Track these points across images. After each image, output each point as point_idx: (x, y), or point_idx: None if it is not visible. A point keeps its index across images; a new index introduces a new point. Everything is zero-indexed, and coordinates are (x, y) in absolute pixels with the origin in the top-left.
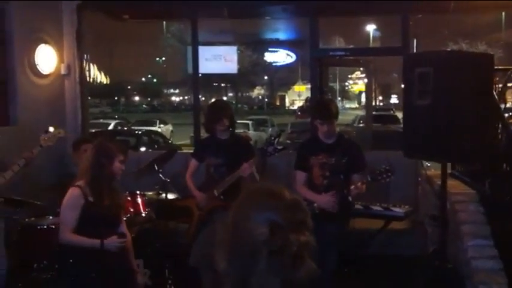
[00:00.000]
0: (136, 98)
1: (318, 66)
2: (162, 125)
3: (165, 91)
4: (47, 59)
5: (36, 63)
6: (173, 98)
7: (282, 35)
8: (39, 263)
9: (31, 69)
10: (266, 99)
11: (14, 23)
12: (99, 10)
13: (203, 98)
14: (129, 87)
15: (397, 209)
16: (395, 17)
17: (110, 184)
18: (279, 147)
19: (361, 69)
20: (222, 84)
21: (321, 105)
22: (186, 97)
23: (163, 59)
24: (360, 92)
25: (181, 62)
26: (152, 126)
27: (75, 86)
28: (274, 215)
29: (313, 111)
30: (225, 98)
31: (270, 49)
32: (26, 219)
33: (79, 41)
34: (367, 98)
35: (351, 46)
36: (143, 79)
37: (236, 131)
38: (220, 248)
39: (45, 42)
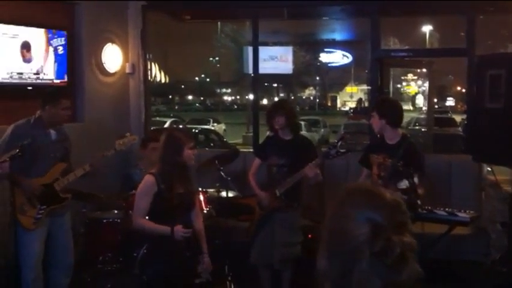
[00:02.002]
0: (190, 97)
1: (379, 67)
2: (215, 124)
3: (218, 90)
4: (113, 58)
5: (103, 62)
6: (225, 98)
7: (338, 36)
8: (105, 256)
9: (98, 67)
10: (317, 100)
11: (83, 23)
12: (162, 11)
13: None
14: (182, 86)
15: (462, 214)
16: (456, 18)
17: (182, 172)
18: (342, 151)
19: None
20: (274, 85)
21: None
22: (237, 97)
23: (217, 59)
24: (415, 94)
25: (234, 62)
26: (206, 124)
27: (139, 84)
28: (376, 215)
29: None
30: (276, 99)
31: (326, 49)
32: (92, 213)
33: (143, 40)
34: (428, 100)
35: (407, 47)
36: (197, 78)
37: None
38: (320, 246)
39: (112, 42)
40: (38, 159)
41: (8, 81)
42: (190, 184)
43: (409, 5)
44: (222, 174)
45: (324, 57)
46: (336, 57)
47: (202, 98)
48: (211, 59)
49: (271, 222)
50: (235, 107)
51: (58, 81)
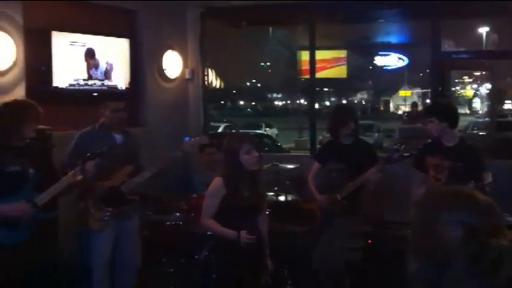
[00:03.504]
0: (241, 102)
1: (439, 70)
2: (267, 129)
3: (269, 95)
4: (173, 64)
5: (164, 68)
6: (276, 102)
7: (393, 39)
8: (167, 258)
9: (159, 73)
10: (369, 104)
11: (144, 30)
12: (219, 17)
13: (305, 103)
14: (234, 91)
15: None
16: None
17: (249, 176)
18: (406, 154)
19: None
20: (325, 89)
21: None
22: (288, 101)
23: (268, 64)
24: (472, 97)
25: (285, 67)
26: (258, 129)
27: (198, 90)
28: (469, 218)
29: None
30: (327, 103)
31: (381, 53)
32: (155, 215)
33: (202, 46)
34: (491, 103)
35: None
36: (248, 83)
37: None
38: (411, 249)
39: (172, 48)
40: (106, 162)
41: (75, 87)
42: (257, 188)
43: (469, 5)
44: (280, 178)
45: (379, 61)
46: (391, 61)
47: (253, 103)
48: (262, 64)
49: (332, 227)
50: (286, 111)
51: (122, 87)
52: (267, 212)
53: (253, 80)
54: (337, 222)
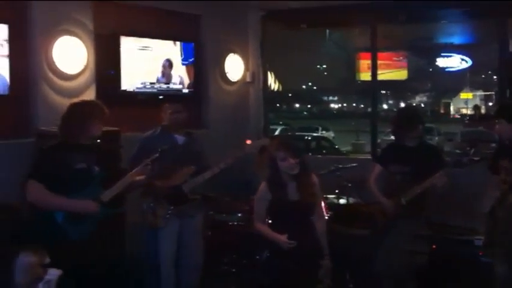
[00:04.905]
0: (297, 105)
1: (507, 71)
2: (324, 132)
3: (325, 98)
4: (234, 67)
5: (226, 71)
6: (332, 105)
7: (456, 39)
8: (228, 257)
9: (221, 76)
10: (429, 107)
11: (207, 34)
12: (280, 20)
13: (362, 105)
14: (290, 94)
15: None
16: None
17: (294, 179)
18: (476, 159)
19: None
20: (382, 92)
21: None
22: (344, 104)
23: (324, 66)
24: None
25: (341, 69)
26: (314, 132)
27: (258, 92)
28: None
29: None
30: (385, 106)
31: (443, 54)
32: (218, 215)
33: (263, 50)
34: None
35: None
36: (303, 86)
37: None
38: (499, 253)
39: (234, 52)
40: (168, 162)
41: (142, 90)
42: (306, 191)
43: None
44: (342, 180)
45: (441, 62)
46: (453, 62)
47: (309, 106)
48: (318, 66)
49: (396, 231)
50: (343, 114)
51: (186, 90)
52: (327, 215)
53: (309, 83)
54: (401, 226)
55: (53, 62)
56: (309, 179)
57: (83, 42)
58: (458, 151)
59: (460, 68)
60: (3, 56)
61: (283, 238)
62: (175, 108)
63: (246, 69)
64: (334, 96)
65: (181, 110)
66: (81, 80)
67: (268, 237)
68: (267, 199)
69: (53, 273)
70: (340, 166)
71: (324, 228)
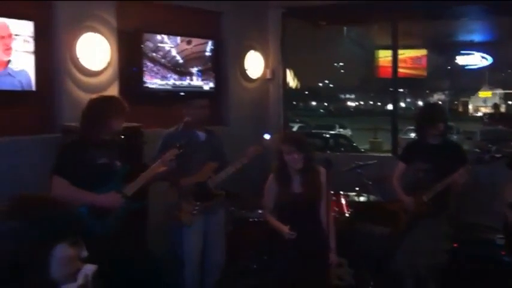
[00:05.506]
0: (313, 103)
1: None
2: (341, 129)
3: (342, 96)
4: (255, 64)
5: (246, 68)
6: (349, 103)
7: (476, 37)
8: (250, 254)
9: (242, 73)
10: (447, 105)
11: (228, 31)
12: (300, 18)
13: (379, 103)
14: (306, 92)
15: None
16: None
17: (300, 173)
18: (498, 156)
19: None
20: (400, 90)
21: None
22: (361, 102)
23: (341, 64)
24: None
25: (359, 66)
26: (332, 130)
27: (278, 90)
28: None
29: None
30: (403, 104)
31: (463, 52)
32: (239, 212)
33: (283, 47)
34: None
35: None
36: (320, 84)
37: None
38: None
39: (254, 49)
40: (190, 159)
41: (163, 87)
42: (310, 186)
43: None
44: (364, 179)
45: (461, 60)
46: (473, 60)
47: (325, 104)
48: (335, 64)
49: (417, 229)
50: (360, 112)
51: (206, 87)
52: (348, 213)
53: (326, 81)
54: (423, 224)
55: (77, 59)
56: (315, 174)
57: (106, 39)
58: (477, 150)
59: (480, 65)
60: (29, 52)
61: (285, 229)
62: (199, 103)
63: (266, 66)
64: (351, 94)
65: (206, 105)
66: (105, 77)
67: (275, 228)
68: (273, 191)
69: (89, 268)
70: (361, 163)
71: (330, 223)
